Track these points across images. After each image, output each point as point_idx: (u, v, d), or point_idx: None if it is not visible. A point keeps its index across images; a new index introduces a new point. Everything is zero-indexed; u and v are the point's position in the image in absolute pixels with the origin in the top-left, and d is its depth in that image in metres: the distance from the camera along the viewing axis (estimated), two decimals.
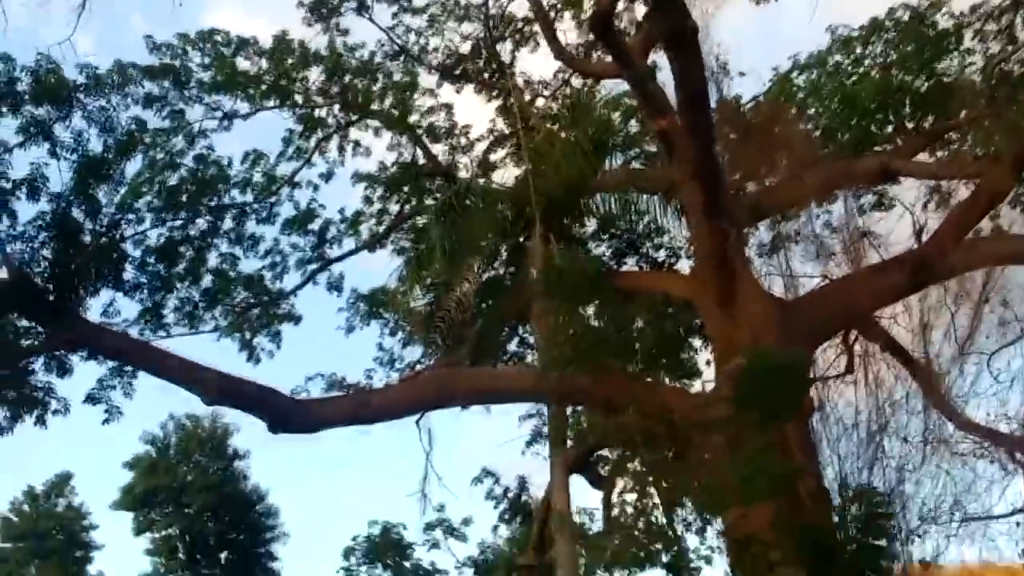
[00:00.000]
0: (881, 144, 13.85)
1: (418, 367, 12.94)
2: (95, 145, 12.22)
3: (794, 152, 13.22)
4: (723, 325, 11.08)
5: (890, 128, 14.00)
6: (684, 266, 16.18)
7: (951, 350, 11.37)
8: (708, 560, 20.75)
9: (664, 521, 21.40)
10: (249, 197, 18.53)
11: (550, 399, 12.89)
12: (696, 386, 14.72)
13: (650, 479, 21.10)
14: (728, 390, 11.08)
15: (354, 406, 12.35)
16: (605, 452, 18.22)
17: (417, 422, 13.19)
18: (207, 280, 17.40)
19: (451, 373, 12.60)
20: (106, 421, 13.56)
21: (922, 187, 13.56)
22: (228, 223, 17.98)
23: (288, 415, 12.15)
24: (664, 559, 21.61)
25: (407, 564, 22.77)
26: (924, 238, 10.94)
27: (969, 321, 11.01)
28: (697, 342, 16.12)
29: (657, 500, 21.56)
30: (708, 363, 15.18)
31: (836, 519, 9.03)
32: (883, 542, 8.72)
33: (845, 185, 12.65)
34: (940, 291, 11.27)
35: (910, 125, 13.95)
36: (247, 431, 21.89)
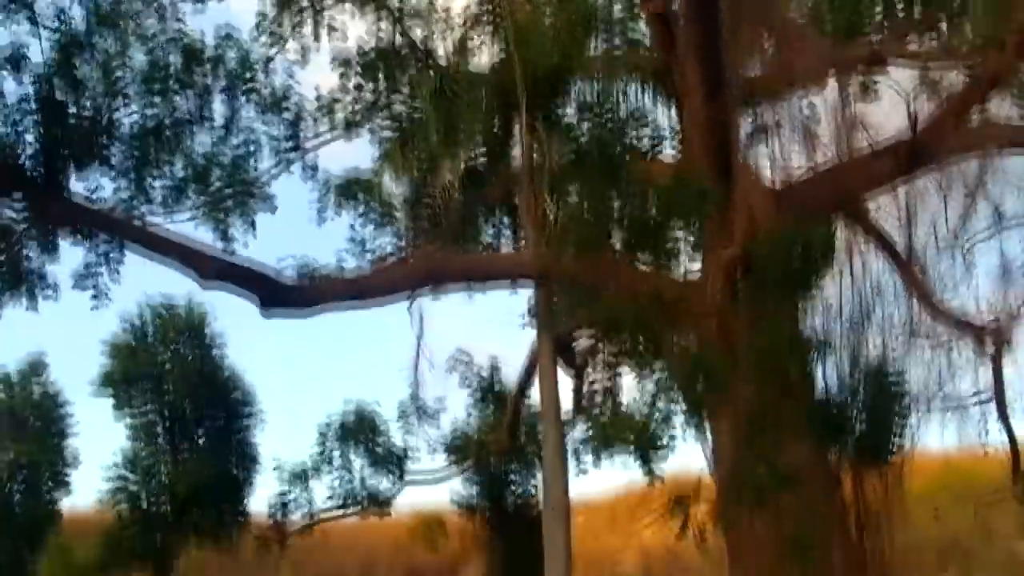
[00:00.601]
0: (872, 31, 13.85)
1: (410, 250, 12.96)
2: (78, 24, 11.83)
3: (784, 36, 13.26)
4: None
5: (880, 14, 14.00)
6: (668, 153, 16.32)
7: (935, 240, 11.79)
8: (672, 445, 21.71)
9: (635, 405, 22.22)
10: (222, 80, 18.09)
11: (539, 281, 13.08)
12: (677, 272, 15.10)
13: (623, 362, 21.81)
14: (723, 276, 11.44)
15: (348, 286, 12.48)
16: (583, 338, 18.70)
17: (409, 307, 13.37)
18: (181, 165, 17.15)
19: (445, 255, 12.74)
20: (94, 307, 13.57)
21: (912, 76, 13.67)
22: (202, 106, 17.57)
23: (283, 295, 12.26)
24: (632, 442, 22.51)
25: (380, 445, 23.19)
26: (917, 126, 11.11)
27: (954, 212, 11.41)
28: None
29: (628, 384, 22.27)
30: (693, 249, 15.55)
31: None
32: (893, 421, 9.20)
33: (836, 70, 12.74)
34: (928, 181, 11.62)
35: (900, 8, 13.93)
36: (223, 317, 21.98)
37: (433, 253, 12.62)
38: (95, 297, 13.25)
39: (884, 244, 12.64)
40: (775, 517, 11.44)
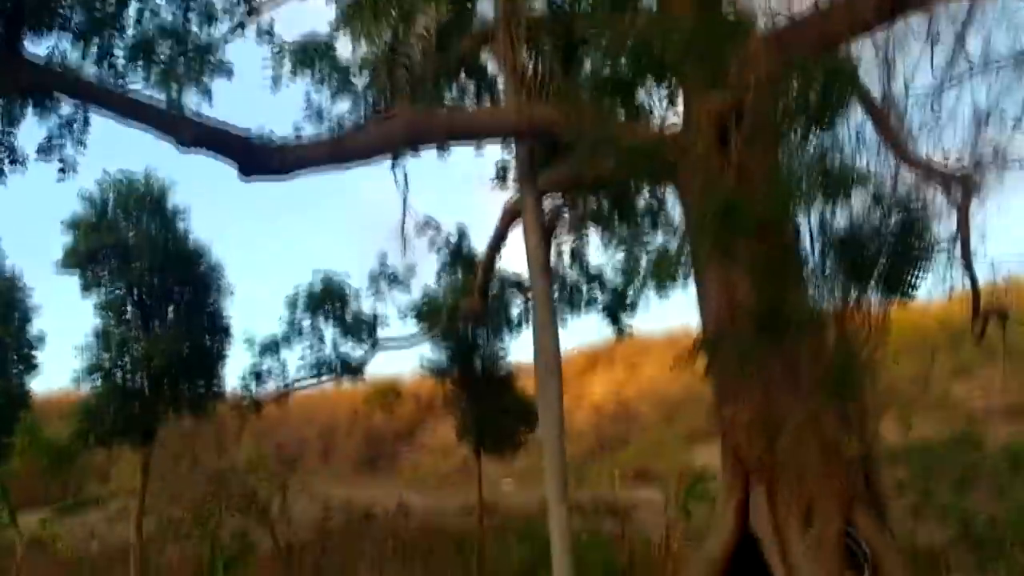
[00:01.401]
0: None
1: (383, 111, 12.71)
2: None
3: None
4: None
5: None
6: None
7: (909, 88, 11.84)
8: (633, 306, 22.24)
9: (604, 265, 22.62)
10: None
11: (522, 135, 13.00)
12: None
13: (593, 223, 22.03)
14: (712, 124, 11.44)
15: (330, 148, 12.24)
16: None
17: (392, 166, 13.21)
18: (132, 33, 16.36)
19: (426, 113, 12.52)
20: (61, 178, 13.14)
21: None
22: None
23: (263, 159, 12.01)
24: (600, 302, 23.03)
25: (349, 314, 23.37)
26: None
27: (938, 57, 11.41)
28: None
29: (596, 244, 22.59)
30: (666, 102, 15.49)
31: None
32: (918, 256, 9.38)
33: None
34: (910, 26, 11.58)
35: None
36: (184, 187, 21.50)
37: (413, 113, 12.37)
38: (62, 170, 12.91)
39: (860, 93, 12.69)
40: (762, 361, 11.95)
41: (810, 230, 9.56)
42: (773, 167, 10.35)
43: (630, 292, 21.76)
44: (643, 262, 19.14)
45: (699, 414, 50.01)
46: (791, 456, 12.29)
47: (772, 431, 12.34)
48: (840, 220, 9.78)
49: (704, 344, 11.59)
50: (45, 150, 12.81)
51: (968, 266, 13.24)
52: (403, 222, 14.95)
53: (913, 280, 11.23)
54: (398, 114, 12.18)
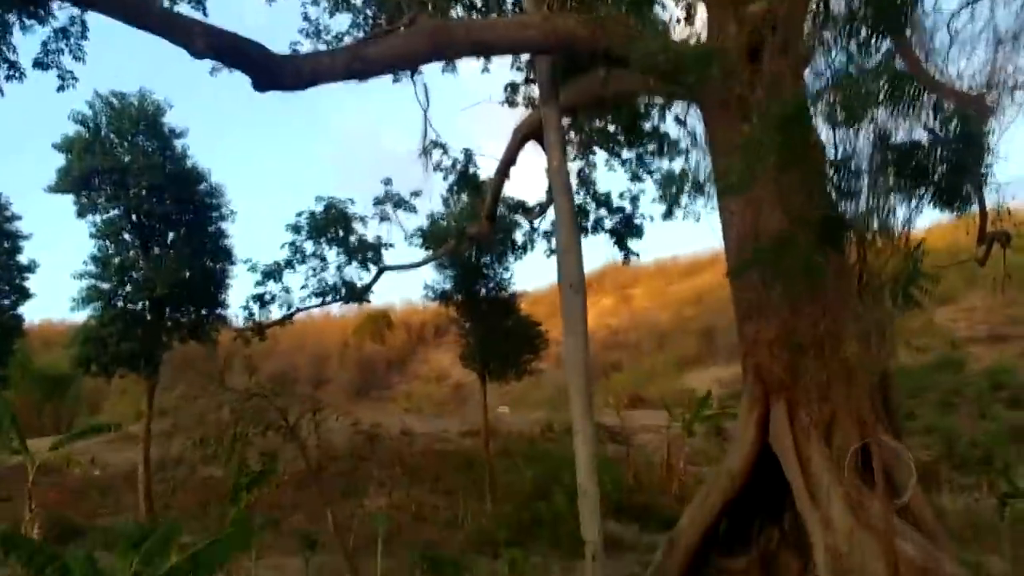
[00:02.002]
0: None
1: (415, 19, 12.13)
2: None
3: None
4: None
5: None
6: None
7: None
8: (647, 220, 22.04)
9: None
10: None
11: (547, 49, 12.58)
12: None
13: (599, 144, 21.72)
14: (745, 36, 11.09)
15: (348, 59, 11.74)
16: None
17: (412, 76, 12.76)
18: None
19: (447, 24, 12.08)
20: (61, 88, 12.73)
21: None
22: None
23: (279, 70, 11.54)
24: (607, 226, 22.83)
25: (352, 237, 23.06)
26: None
27: None
28: None
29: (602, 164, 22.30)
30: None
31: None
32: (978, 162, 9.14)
33: None
34: None
35: None
36: (180, 108, 20.97)
37: (434, 24, 11.92)
38: (60, 77, 12.52)
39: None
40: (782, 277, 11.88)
41: (874, 138, 9.28)
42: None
43: (638, 215, 21.64)
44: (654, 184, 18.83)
45: (689, 342, 50.73)
46: (814, 374, 12.33)
47: (795, 349, 12.36)
48: (901, 130, 9.52)
49: (760, 255, 11.36)
50: (42, 64, 12.43)
51: (978, 189, 13.08)
52: (424, 135, 14.42)
53: (969, 193, 11.08)
54: (420, 25, 11.69)
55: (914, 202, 9.54)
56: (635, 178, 22.18)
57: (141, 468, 19.75)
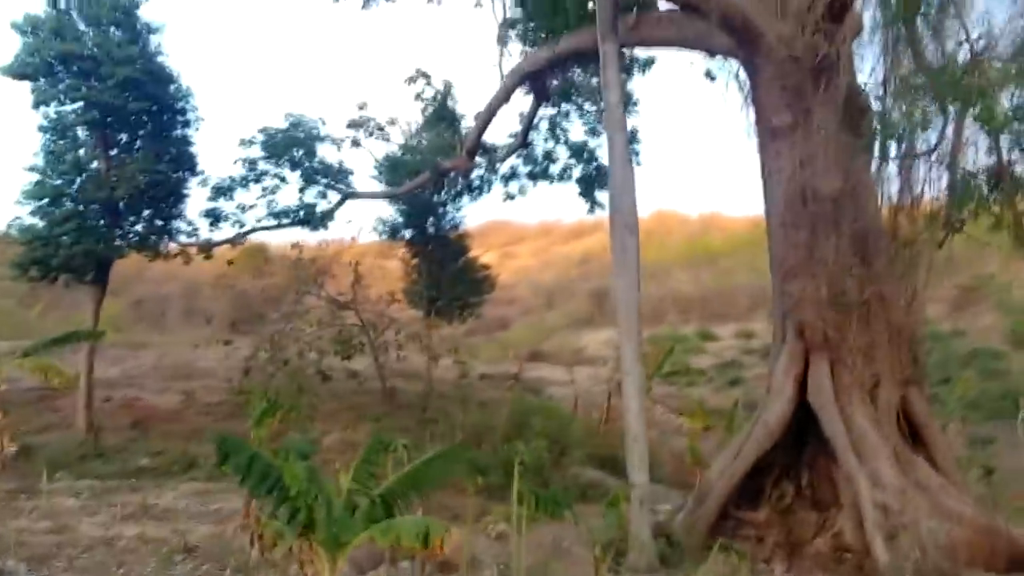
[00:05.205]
0: None
1: None
2: None
3: None
4: None
5: None
6: None
7: None
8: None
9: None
10: None
11: None
12: None
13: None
14: None
15: None
16: None
17: None
18: None
19: None
20: None
21: None
22: None
23: None
24: (576, 174, 22.82)
25: (313, 162, 21.94)
26: None
27: None
28: None
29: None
30: None
31: None
32: None
33: None
34: None
35: None
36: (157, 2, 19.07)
37: None
38: None
39: None
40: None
41: None
42: None
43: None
44: None
45: (577, 301, 51.36)
46: (860, 334, 12.76)
47: (842, 309, 12.73)
48: None
49: None
50: None
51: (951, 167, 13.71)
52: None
53: None
54: None
55: None
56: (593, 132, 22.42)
57: (83, 381, 18.10)
